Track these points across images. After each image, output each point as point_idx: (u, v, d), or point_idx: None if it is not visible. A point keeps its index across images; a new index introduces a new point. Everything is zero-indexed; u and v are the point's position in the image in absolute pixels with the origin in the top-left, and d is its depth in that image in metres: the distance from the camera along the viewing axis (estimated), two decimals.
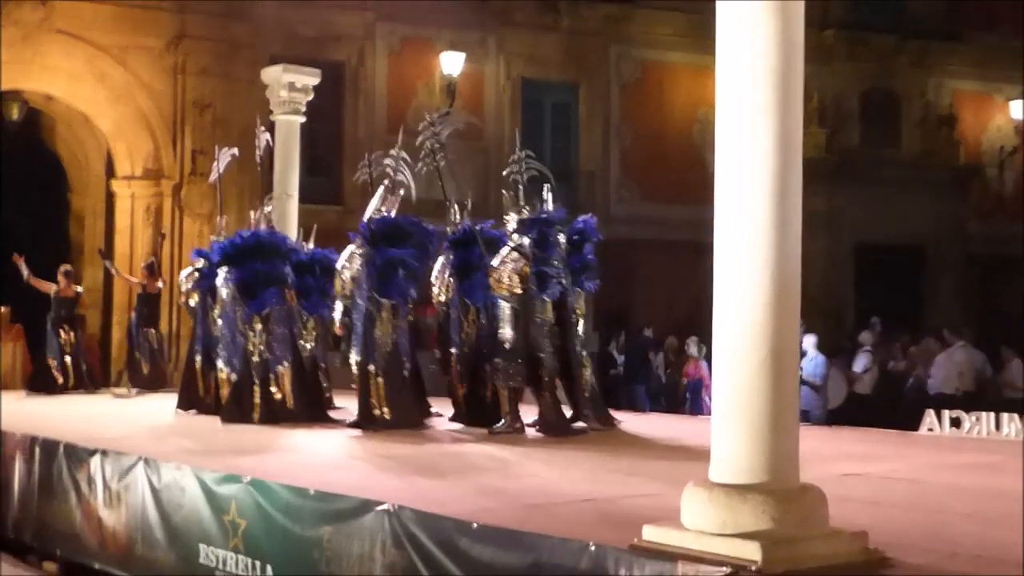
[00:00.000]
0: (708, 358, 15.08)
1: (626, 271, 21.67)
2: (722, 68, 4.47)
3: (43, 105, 19.41)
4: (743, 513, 4.17)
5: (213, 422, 9.92)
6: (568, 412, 9.09)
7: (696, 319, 18.55)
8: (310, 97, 13.63)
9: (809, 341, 13.74)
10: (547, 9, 21.48)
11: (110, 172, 18.73)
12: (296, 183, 13.36)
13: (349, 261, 9.45)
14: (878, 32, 22.95)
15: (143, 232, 18.04)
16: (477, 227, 9.78)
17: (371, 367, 9.15)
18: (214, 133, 17.90)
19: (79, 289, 15.22)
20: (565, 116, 22.38)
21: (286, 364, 10.00)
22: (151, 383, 14.16)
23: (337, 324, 10.15)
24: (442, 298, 9.78)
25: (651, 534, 4.42)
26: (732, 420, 4.36)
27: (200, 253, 11.38)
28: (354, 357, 9.32)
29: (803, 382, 12.94)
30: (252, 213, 11.30)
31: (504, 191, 9.78)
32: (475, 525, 4.90)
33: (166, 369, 14.94)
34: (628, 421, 10.21)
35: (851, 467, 6.95)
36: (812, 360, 14.03)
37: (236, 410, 9.86)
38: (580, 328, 9.49)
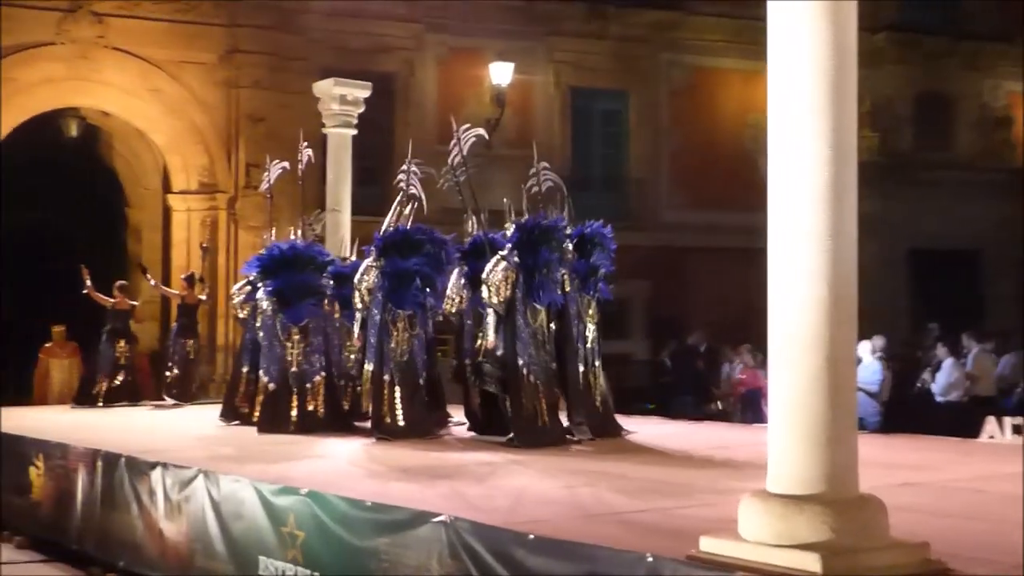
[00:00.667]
0: (763, 366, 15.04)
1: (677, 278, 21.61)
2: (774, 73, 4.44)
3: (100, 121, 19.74)
4: (800, 524, 4.14)
5: (250, 432, 10.07)
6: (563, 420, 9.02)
7: (748, 327, 18.46)
8: (361, 109, 13.73)
9: (864, 347, 13.61)
10: (595, 17, 21.49)
11: (166, 186, 19.00)
12: (348, 195, 13.45)
13: (366, 274, 9.56)
14: (930, 34, 22.71)
15: (198, 247, 18.27)
16: (489, 237, 9.69)
17: (386, 376, 9.27)
18: (267, 146, 18.08)
19: (134, 303, 15.49)
20: (614, 124, 22.37)
21: (322, 375, 10.18)
22: (181, 394, 14.45)
23: (356, 335, 10.12)
24: (454, 309, 9.73)
25: (708, 545, 4.40)
26: (788, 429, 4.33)
27: (249, 268, 11.38)
28: (368, 367, 9.43)
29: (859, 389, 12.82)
30: (292, 228, 11.46)
31: (504, 199, 9.82)
32: (531, 536, 4.90)
33: (194, 380, 15.16)
34: (679, 430, 10.17)
35: (909, 476, 6.87)
36: (867, 366, 13.89)
37: (272, 420, 10.02)
38: (590, 334, 9.40)
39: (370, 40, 19.81)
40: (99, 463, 8.26)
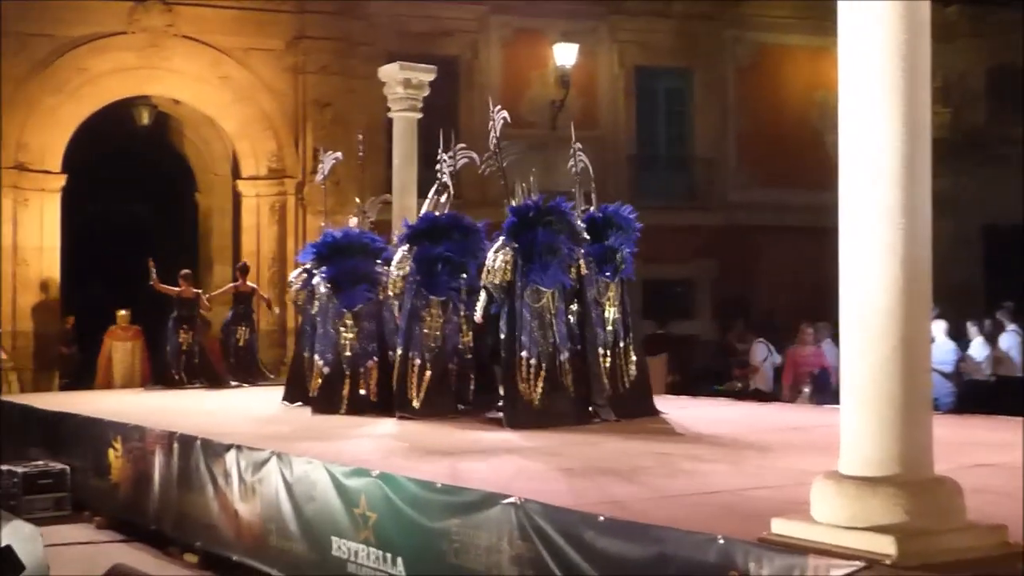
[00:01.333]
0: (825, 344, 14.88)
1: (745, 258, 21.42)
2: (844, 49, 4.38)
3: (171, 108, 20.01)
4: (874, 506, 4.10)
5: (306, 412, 10.43)
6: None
7: (818, 306, 18.26)
8: (426, 93, 13.77)
9: (939, 327, 13.41)
10: None
11: (235, 172, 19.24)
12: (414, 179, 13.51)
13: (401, 262, 9.76)
14: (1003, 5, 22.20)
15: (268, 230, 18.52)
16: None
17: (417, 360, 9.51)
18: (334, 131, 18.25)
19: (198, 291, 15.95)
20: (679, 102, 22.20)
21: (375, 360, 10.40)
22: (243, 377, 15.12)
23: (395, 316, 10.27)
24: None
25: (780, 527, 4.38)
26: (862, 410, 4.29)
27: (305, 256, 11.65)
28: (399, 350, 9.70)
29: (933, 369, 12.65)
30: (349, 216, 11.71)
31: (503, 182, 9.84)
32: (601, 518, 4.92)
33: (251, 365, 15.68)
34: (746, 411, 10.10)
35: (985, 457, 6.77)
36: (941, 346, 13.69)
37: (326, 401, 10.29)
38: (610, 316, 9.37)
39: (434, 23, 19.85)
40: (175, 445, 8.41)
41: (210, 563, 7.94)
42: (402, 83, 13.47)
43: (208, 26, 18.25)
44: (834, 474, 4.31)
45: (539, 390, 8.72)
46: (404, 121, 13.59)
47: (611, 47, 21.28)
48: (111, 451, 9.55)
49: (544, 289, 8.85)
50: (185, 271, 15.90)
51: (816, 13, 19.59)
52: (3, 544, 5.75)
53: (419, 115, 13.75)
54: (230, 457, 7.64)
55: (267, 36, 18.56)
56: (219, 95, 18.58)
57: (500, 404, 9.25)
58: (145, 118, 19.77)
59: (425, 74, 13.63)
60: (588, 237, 9.38)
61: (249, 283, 15.91)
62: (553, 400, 8.79)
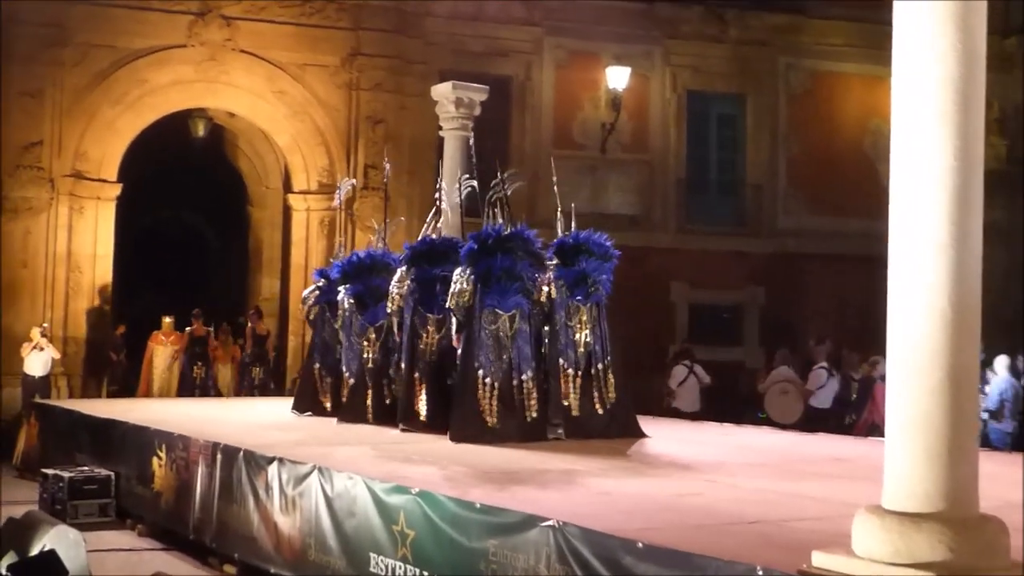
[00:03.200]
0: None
1: (792, 285, 21.26)
2: (899, 78, 4.35)
3: (226, 121, 20.26)
4: (918, 542, 4.04)
5: (328, 422, 10.96)
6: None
7: (864, 336, 18.07)
8: (477, 112, 13.82)
9: (1001, 363, 13.16)
10: (714, 20, 21.29)
11: (287, 186, 19.42)
12: (463, 197, 13.53)
13: (400, 282, 10.24)
14: None
15: (317, 244, 18.66)
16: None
17: (416, 374, 9.98)
18: (386, 148, 18.38)
19: (209, 329, 17.12)
20: (731, 128, 22.13)
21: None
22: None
23: (396, 332, 10.69)
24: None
25: (820, 560, 4.32)
26: (907, 444, 4.23)
27: (321, 273, 12.41)
28: (401, 364, 10.23)
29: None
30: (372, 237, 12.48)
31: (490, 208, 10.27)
32: (641, 544, 4.89)
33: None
34: (794, 440, 10.01)
35: None
36: (1000, 382, 13.42)
37: (353, 411, 10.87)
38: (581, 338, 9.61)
39: (489, 43, 19.95)
40: (219, 456, 8.47)
41: (248, 575, 7.97)
42: (454, 102, 13.53)
43: (265, 41, 18.47)
44: (877, 508, 4.24)
45: (492, 408, 9.11)
46: (455, 139, 13.64)
47: (664, 71, 21.27)
48: (155, 459, 9.64)
49: (501, 312, 9.29)
50: (196, 310, 16.97)
51: (871, 41, 19.48)
52: (47, 548, 5.82)
53: (470, 134, 13.80)
54: (272, 470, 7.68)
55: (323, 52, 18.76)
56: (274, 109, 18.78)
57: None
58: (201, 130, 20.03)
59: (477, 93, 13.68)
60: (556, 261, 9.71)
61: (264, 326, 17.32)
62: (504, 419, 9.14)
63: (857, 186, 20.63)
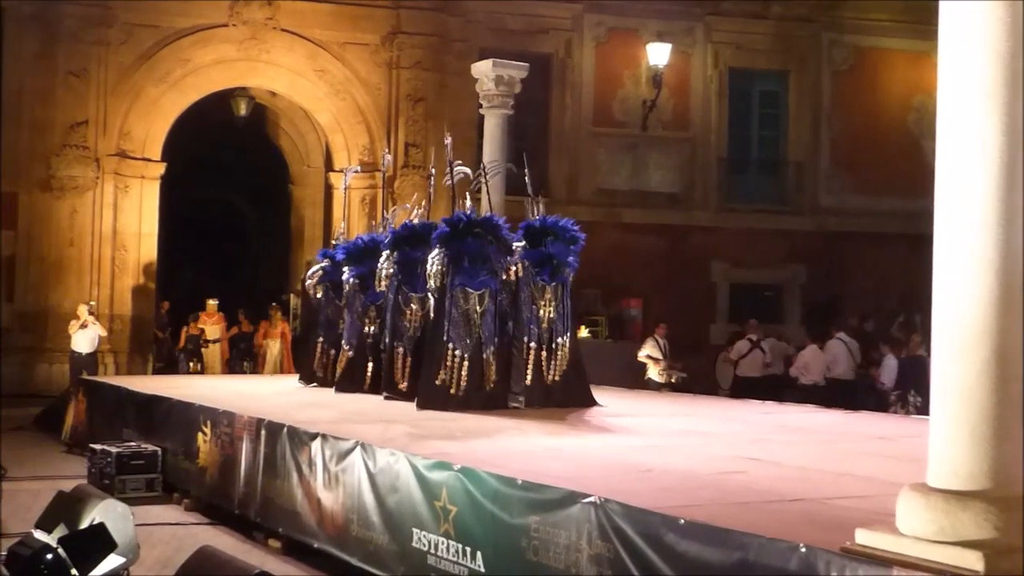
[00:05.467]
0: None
1: (835, 263, 21.12)
2: (945, 54, 4.31)
3: (267, 101, 20.38)
4: (963, 521, 4.03)
5: (328, 392, 11.82)
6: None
7: (906, 315, 17.92)
8: (518, 90, 13.81)
9: None
10: None
11: (328, 164, 19.50)
12: (503, 175, 13.54)
13: (386, 263, 10.91)
14: None
15: (358, 223, 18.73)
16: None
17: (400, 348, 10.78)
18: (426, 126, 18.41)
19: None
20: (773, 105, 21.97)
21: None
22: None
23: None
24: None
25: (864, 538, 4.32)
26: (952, 423, 4.21)
27: (325, 254, 13.12)
28: (386, 339, 11.10)
29: None
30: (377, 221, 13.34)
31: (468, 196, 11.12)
32: (682, 521, 4.89)
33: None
34: (836, 419, 9.97)
35: None
36: None
37: (349, 381, 11.70)
38: (545, 315, 10.27)
39: (529, 21, 19.91)
40: (263, 432, 8.56)
41: (292, 549, 8.06)
42: (494, 80, 13.54)
43: (306, 20, 18.54)
44: (922, 486, 4.23)
45: (460, 380, 9.84)
46: (495, 117, 13.65)
47: (706, 48, 21.14)
48: (200, 435, 9.74)
49: (471, 291, 10.00)
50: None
51: (916, 17, 19.26)
52: (96, 522, 5.92)
53: (510, 112, 13.80)
54: (315, 446, 7.75)
55: (363, 31, 18.80)
56: (315, 88, 18.86)
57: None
58: (243, 109, 20.17)
59: (517, 71, 13.68)
60: (523, 243, 10.31)
61: (250, 324, 18.06)
62: (468, 389, 9.88)
63: (901, 164, 20.45)
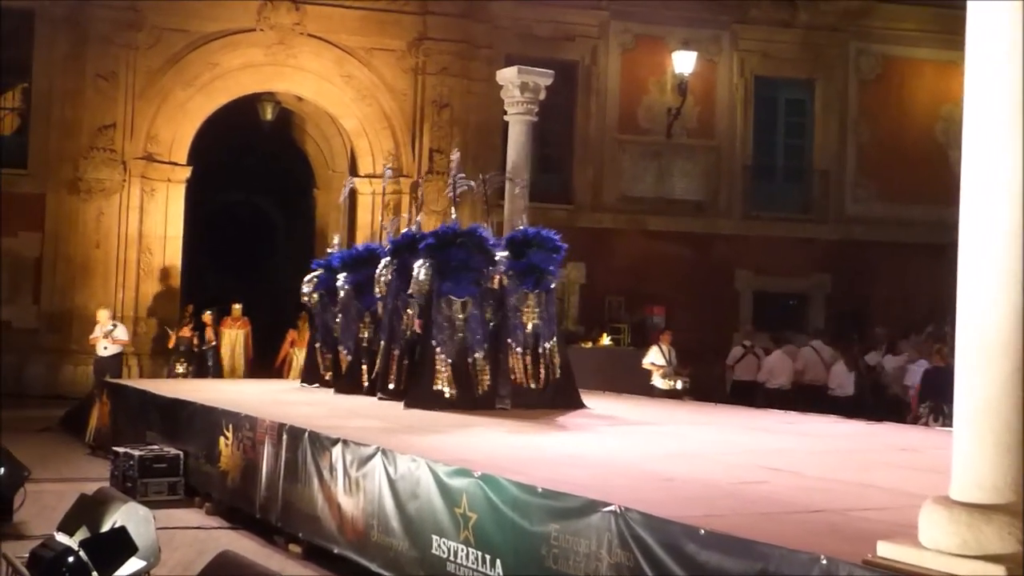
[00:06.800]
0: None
1: (860, 272, 21.01)
2: (972, 64, 4.27)
3: (294, 105, 20.46)
4: (987, 534, 3.99)
5: (329, 392, 12.41)
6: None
7: (936, 325, 17.79)
8: (543, 97, 13.79)
9: None
10: (784, 5, 21.07)
11: (353, 169, 19.55)
12: (527, 182, 13.54)
13: (385, 269, 11.35)
14: None
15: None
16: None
17: (395, 351, 11.19)
18: (451, 132, 18.44)
19: (194, 331, 17.51)
20: (799, 113, 21.90)
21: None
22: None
23: (381, 314, 11.83)
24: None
25: (886, 551, 4.28)
26: (976, 435, 4.17)
27: (318, 264, 13.67)
28: (382, 341, 11.48)
29: None
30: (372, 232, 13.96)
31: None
32: (703, 531, 4.87)
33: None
34: (860, 430, 9.91)
35: None
36: None
37: (348, 384, 12.17)
38: (529, 322, 10.75)
39: (555, 28, 19.92)
40: (284, 436, 8.58)
41: (312, 554, 8.07)
42: (519, 86, 13.51)
43: (333, 25, 18.61)
44: (944, 499, 4.19)
45: (447, 382, 10.35)
46: (520, 124, 13.63)
47: (732, 56, 21.10)
48: (222, 439, 9.77)
49: (455, 299, 10.50)
50: (185, 318, 17.66)
51: (943, 26, 19.17)
52: (118, 525, 5.93)
53: (535, 118, 13.79)
54: (336, 451, 7.75)
55: (390, 37, 18.85)
56: (341, 93, 18.92)
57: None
58: (269, 114, 20.26)
59: (542, 78, 13.65)
60: (506, 254, 10.73)
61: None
62: (457, 391, 10.38)
63: (927, 173, 20.34)
